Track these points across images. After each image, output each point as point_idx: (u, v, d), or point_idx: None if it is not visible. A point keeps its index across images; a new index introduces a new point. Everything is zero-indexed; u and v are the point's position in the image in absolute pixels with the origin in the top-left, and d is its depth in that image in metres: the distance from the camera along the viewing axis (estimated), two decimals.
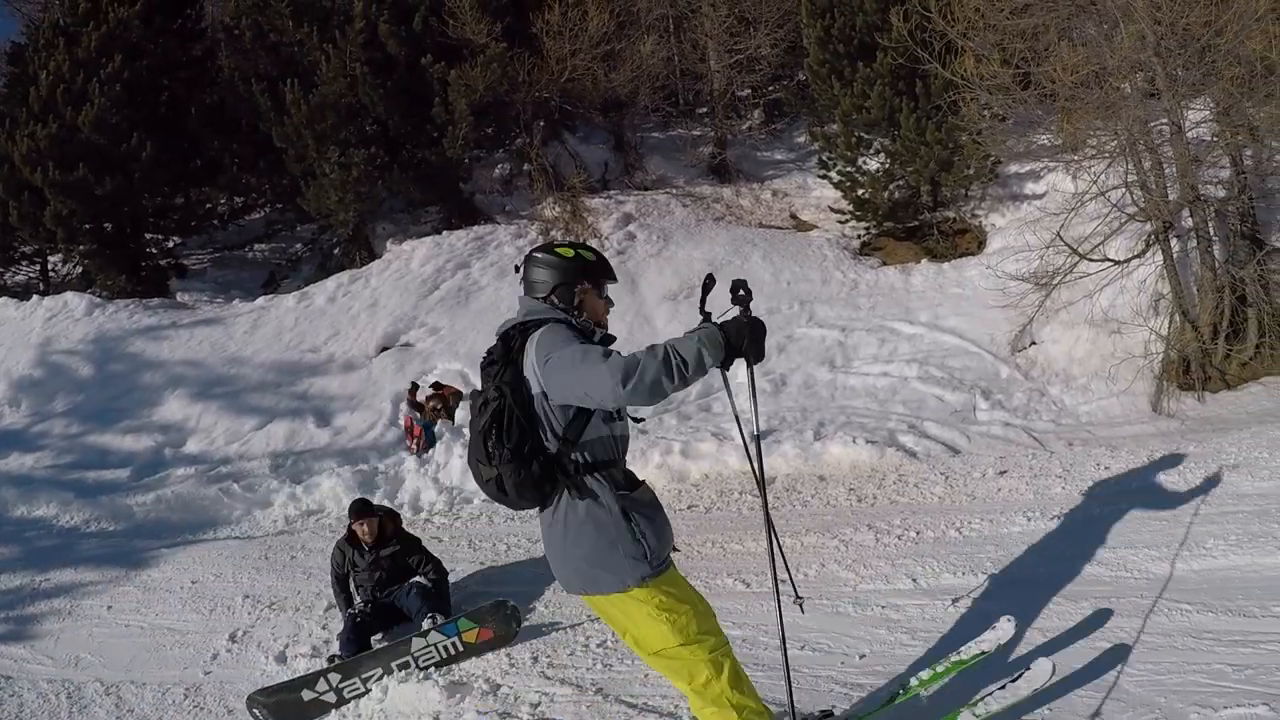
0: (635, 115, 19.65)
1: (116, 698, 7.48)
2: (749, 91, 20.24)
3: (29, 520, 12.25)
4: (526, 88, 17.31)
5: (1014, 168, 14.41)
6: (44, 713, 7.46)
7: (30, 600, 9.81)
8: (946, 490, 8.73)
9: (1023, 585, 6.26)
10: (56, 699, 7.64)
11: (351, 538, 7.61)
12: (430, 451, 11.25)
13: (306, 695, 6.56)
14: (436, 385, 12.38)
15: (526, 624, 6.87)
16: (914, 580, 6.74)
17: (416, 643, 6.65)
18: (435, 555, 7.69)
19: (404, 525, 8.01)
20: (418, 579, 7.44)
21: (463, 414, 11.88)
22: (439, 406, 11.97)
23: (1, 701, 7.76)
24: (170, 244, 20.82)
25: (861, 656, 5.67)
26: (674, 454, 10.19)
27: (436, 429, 11.64)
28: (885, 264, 14.17)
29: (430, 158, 16.68)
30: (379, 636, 7.28)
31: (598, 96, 18.49)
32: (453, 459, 10.81)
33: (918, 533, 7.66)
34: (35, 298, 18.67)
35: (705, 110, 19.93)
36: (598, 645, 6.42)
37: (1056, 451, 9.34)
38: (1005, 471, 8.92)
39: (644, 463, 10.17)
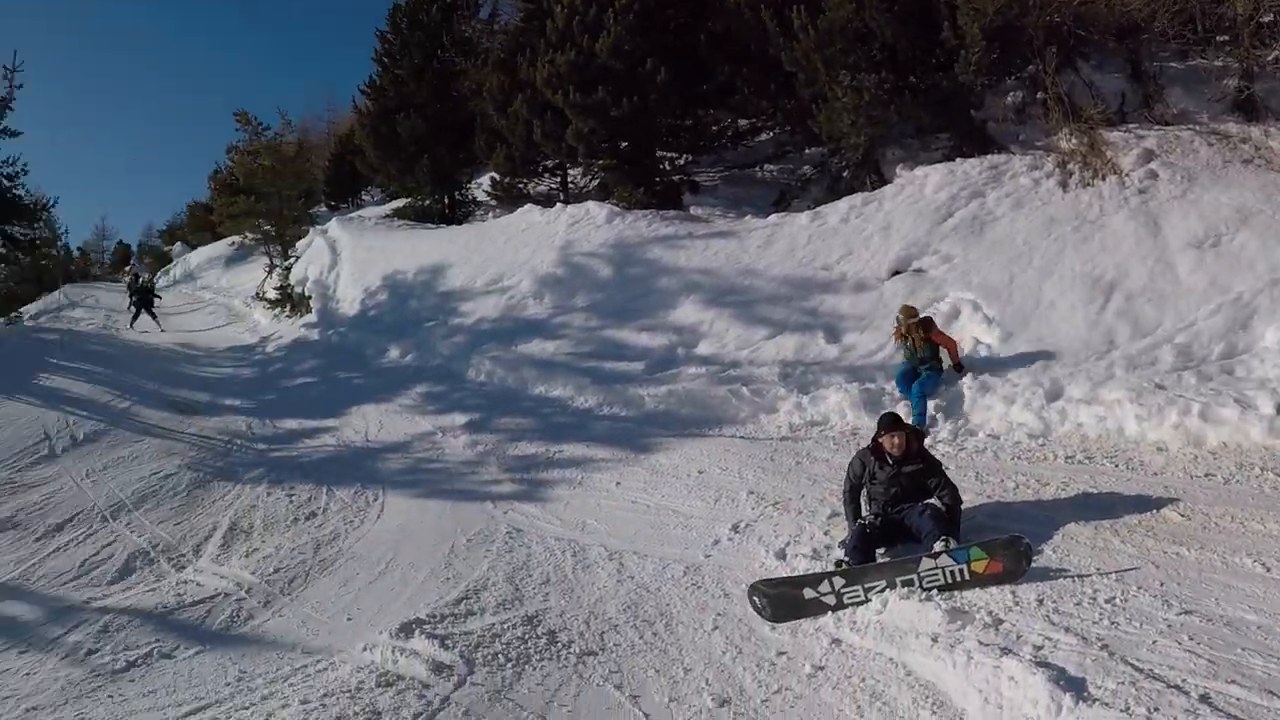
0: (1151, 42, 17.82)
1: (619, 563, 8.05)
2: (1271, 17, 17.64)
3: (546, 398, 13.46)
4: (1037, 11, 16.20)
5: None
6: (550, 564, 8.21)
7: (544, 467, 10.82)
8: None
9: None
10: (562, 555, 8.37)
11: (876, 450, 7.58)
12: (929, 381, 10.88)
13: (808, 594, 6.67)
14: (926, 322, 11.29)
15: (1034, 565, 6.56)
16: None
17: (925, 563, 6.55)
18: (953, 481, 7.47)
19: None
20: (932, 501, 7.32)
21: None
22: (921, 338, 11.07)
23: (512, 549, 8.64)
24: (682, 161, 21.85)
25: None
26: (1191, 415, 9.24)
27: (933, 375, 10.92)
28: None
29: (941, 83, 16.11)
30: (882, 551, 7.27)
31: (1111, 20, 16.93)
32: (958, 388, 10.52)
33: None
34: (559, 205, 20.40)
35: (1226, 38, 17.66)
36: (1105, 600, 6.04)
37: None
38: None
39: (1159, 420, 9.34)
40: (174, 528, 10.28)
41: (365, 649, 6.84)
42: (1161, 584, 6.24)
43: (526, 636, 6.85)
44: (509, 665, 6.44)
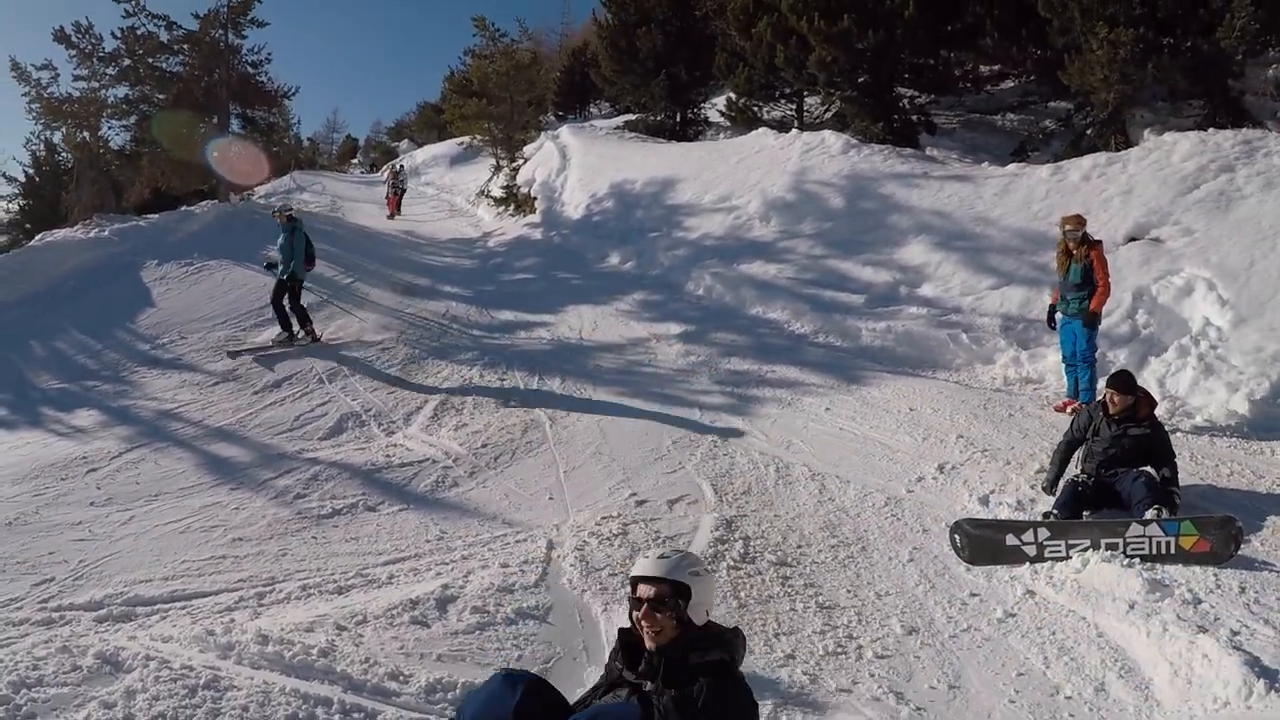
0: None
1: (820, 485, 8.31)
2: None
3: (763, 319, 13.74)
4: None
5: None
6: (753, 476, 8.53)
7: (755, 385, 11.13)
8: None
9: None
10: (765, 469, 8.68)
11: (1105, 407, 7.59)
12: None
13: (1009, 540, 6.81)
14: (1094, 243, 9.80)
15: (1241, 553, 6.50)
16: None
17: (1134, 529, 6.62)
18: (1175, 455, 7.45)
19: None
20: (1148, 469, 7.28)
21: None
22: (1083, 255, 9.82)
23: (715, 456, 8.99)
24: (921, 101, 21.50)
25: None
26: None
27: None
28: None
29: (1201, 47, 15.26)
30: (1088, 513, 7.31)
31: None
32: (1185, 369, 10.21)
33: None
34: (794, 131, 20.40)
35: None
36: None
37: None
38: None
39: None
40: (387, 396, 11.05)
41: (567, 527, 7.40)
42: None
43: (724, 539, 7.19)
44: (707, 562, 6.75)
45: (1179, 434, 8.84)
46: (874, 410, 10.07)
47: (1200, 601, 5.89)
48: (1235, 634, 5.41)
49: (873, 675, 5.43)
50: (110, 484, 8.50)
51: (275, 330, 13.24)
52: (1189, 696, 5.03)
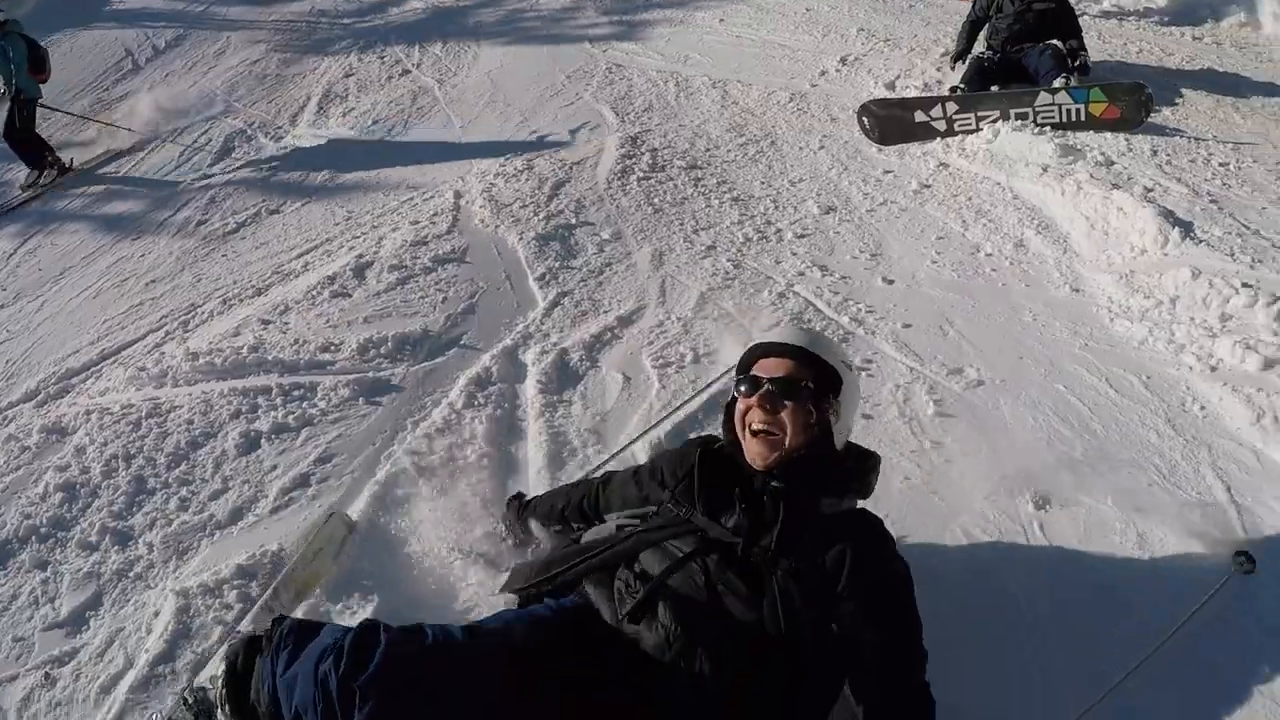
0: None
1: (722, 91, 8.17)
2: None
3: None
4: None
5: None
6: (653, 94, 8.34)
7: (643, 9, 10.82)
8: None
9: None
10: (664, 85, 8.49)
11: None
12: None
13: (918, 117, 6.74)
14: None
15: (1151, 121, 6.49)
16: None
17: (1042, 97, 6.56)
18: (1082, 30, 7.30)
19: None
20: (1054, 41, 7.13)
21: None
22: None
23: (613, 83, 8.74)
24: None
25: None
26: None
27: None
28: None
29: None
30: (996, 88, 7.19)
31: None
32: None
33: None
34: None
35: None
36: (1220, 164, 5.98)
37: None
38: None
39: None
40: (268, 106, 10.32)
41: (471, 175, 7.10)
42: (1278, 162, 6.15)
43: (631, 154, 6.96)
44: (617, 178, 6.59)
45: (1086, 18, 8.65)
46: (770, 15, 9.87)
47: (1113, 163, 5.90)
48: (1149, 190, 5.45)
49: (795, 254, 5.32)
50: (13, 281, 7.84)
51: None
52: (1106, 247, 5.07)
